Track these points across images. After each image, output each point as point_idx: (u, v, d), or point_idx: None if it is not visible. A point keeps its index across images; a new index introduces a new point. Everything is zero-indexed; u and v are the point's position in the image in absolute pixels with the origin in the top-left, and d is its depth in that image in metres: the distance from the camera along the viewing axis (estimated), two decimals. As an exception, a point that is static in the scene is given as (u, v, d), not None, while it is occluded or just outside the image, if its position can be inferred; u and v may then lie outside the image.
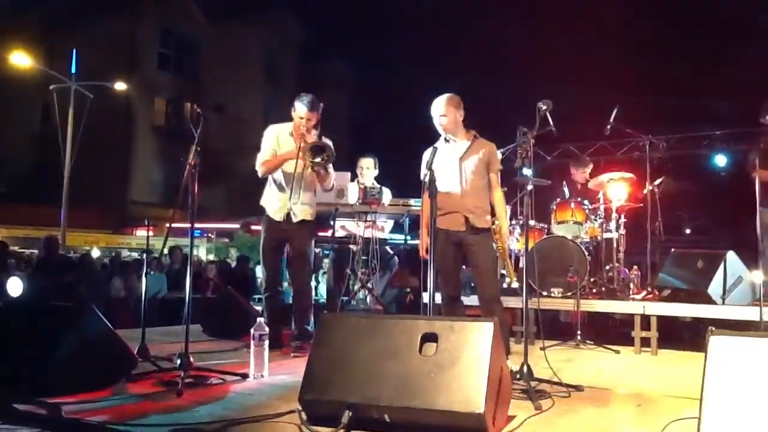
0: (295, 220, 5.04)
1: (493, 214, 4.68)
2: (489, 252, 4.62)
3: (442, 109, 4.57)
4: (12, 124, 28.40)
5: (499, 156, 4.83)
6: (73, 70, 19.48)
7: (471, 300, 5.18)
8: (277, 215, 5.05)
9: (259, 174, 5.10)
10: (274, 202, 5.11)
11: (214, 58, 28.87)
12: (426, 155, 4.46)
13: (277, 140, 5.10)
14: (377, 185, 5.91)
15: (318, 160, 4.77)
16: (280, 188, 5.08)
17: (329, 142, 4.95)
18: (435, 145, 4.42)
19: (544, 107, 4.00)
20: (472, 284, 4.90)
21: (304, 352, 4.40)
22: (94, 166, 22.68)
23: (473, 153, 4.61)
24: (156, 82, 28.00)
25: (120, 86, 21.15)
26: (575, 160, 8.03)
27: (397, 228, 6.26)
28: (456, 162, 4.59)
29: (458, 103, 4.61)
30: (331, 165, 4.97)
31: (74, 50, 19.51)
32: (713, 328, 2.46)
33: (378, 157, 6.30)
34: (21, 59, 20.00)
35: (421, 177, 4.30)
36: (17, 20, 26.46)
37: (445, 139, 4.63)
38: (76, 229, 21.48)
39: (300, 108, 4.95)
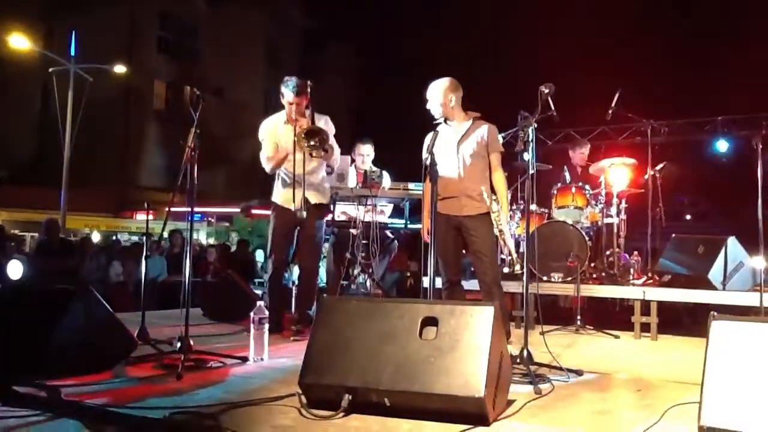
0: (306, 204, 4.99)
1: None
2: (488, 236, 4.57)
3: (428, 95, 4.57)
4: (11, 107, 28.27)
5: (500, 138, 4.76)
6: (73, 52, 19.37)
7: (471, 284, 5.18)
8: (288, 204, 5.00)
9: (267, 171, 5.09)
10: (283, 195, 5.09)
11: (213, 42, 28.72)
12: (427, 139, 4.46)
13: (275, 132, 5.07)
14: (377, 169, 5.89)
15: (312, 143, 4.72)
16: (285, 183, 5.08)
17: (326, 118, 4.96)
18: (436, 129, 4.40)
19: (546, 91, 3.96)
20: (472, 269, 4.88)
21: (304, 337, 4.41)
22: (93, 149, 22.65)
23: (472, 135, 4.58)
24: (155, 66, 27.86)
25: (119, 69, 21.05)
26: (572, 142, 8.01)
27: (397, 212, 6.25)
28: (454, 145, 4.56)
29: (454, 87, 4.57)
30: (333, 139, 4.95)
31: (73, 32, 19.39)
32: (715, 313, 2.45)
33: (378, 141, 6.29)
34: (20, 42, 19.85)
35: (423, 161, 4.29)
36: (16, 2, 26.30)
37: (446, 121, 4.60)
38: (76, 213, 21.47)
39: (287, 94, 4.92)
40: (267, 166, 5.07)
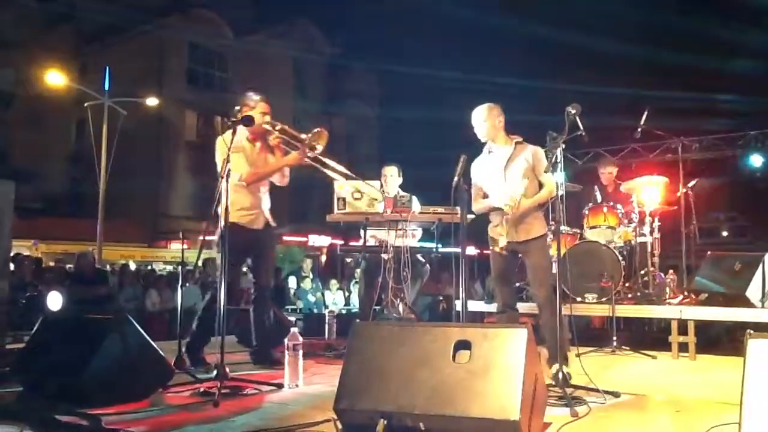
0: (270, 224, 5.06)
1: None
2: (542, 259, 4.50)
3: (477, 118, 4.53)
4: (48, 141, 29.02)
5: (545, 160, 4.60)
6: (107, 87, 19.85)
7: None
8: (254, 224, 4.93)
9: (247, 183, 4.82)
10: (247, 210, 4.90)
11: (242, 71, 29.18)
12: (474, 164, 4.58)
13: (243, 148, 4.86)
14: (406, 194, 5.92)
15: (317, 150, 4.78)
16: (255, 195, 4.94)
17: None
18: (480, 157, 4.54)
19: (573, 111, 3.95)
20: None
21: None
22: (127, 180, 23.05)
23: (517, 158, 4.49)
24: (186, 97, 28.38)
25: (152, 102, 21.48)
26: (600, 161, 7.97)
27: (427, 235, 6.25)
28: (501, 170, 4.49)
29: (497, 111, 4.54)
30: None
31: (107, 67, 19.88)
32: (752, 332, 2.42)
33: (404, 166, 6.32)
34: (55, 78, 20.42)
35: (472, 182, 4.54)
36: (50, 39, 27.10)
37: (489, 149, 4.58)
38: (111, 243, 21.82)
39: (260, 105, 4.86)
40: (251, 178, 4.82)
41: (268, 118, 4.88)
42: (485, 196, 4.59)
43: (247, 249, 4.88)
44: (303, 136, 4.82)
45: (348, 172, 5.27)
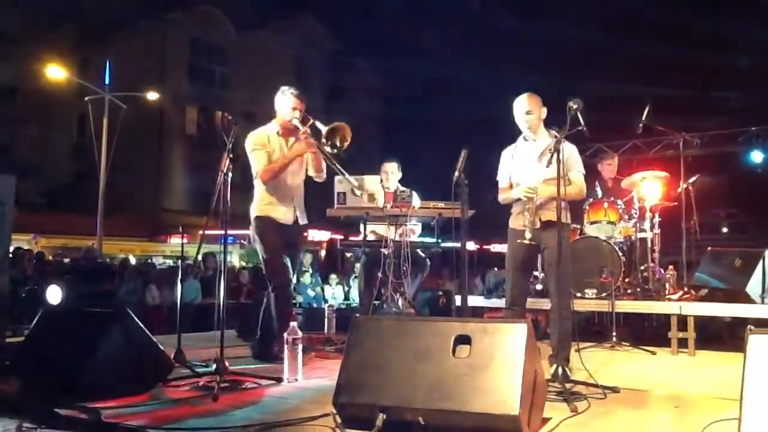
0: (302, 222, 5.00)
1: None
2: (563, 246, 4.20)
3: (528, 106, 4.37)
4: (49, 135, 29.04)
5: (579, 159, 4.50)
6: (107, 81, 19.84)
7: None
8: (285, 219, 4.90)
9: (265, 179, 4.81)
10: (275, 207, 4.89)
11: (243, 66, 29.15)
12: (505, 153, 4.50)
13: (269, 144, 4.88)
14: (406, 189, 5.91)
15: (336, 148, 4.66)
16: (282, 197, 4.91)
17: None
18: (515, 144, 4.44)
19: (575, 106, 3.93)
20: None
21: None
22: (128, 175, 23.05)
23: (550, 152, 4.28)
24: (187, 92, 28.37)
25: (152, 96, 21.48)
26: (600, 156, 7.96)
27: (427, 230, 6.25)
28: (534, 161, 4.36)
29: (540, 101, 4.42)
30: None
31: (108, 61, 19.87)
32: (752, 327, 2.41)
33: (405, 161, 6.30)
34: (56, 72, 20.42)
35: (498, 177, 4.50)
36: (52, 34, 27.06)
37: (524, 138, 4.48)
38: (111, 238, 21.82)
39: (291, 100, 4.81)
40: (266, 174, 4.79)
41: (298, 113, 4.80)
42: (512, 187, 4.46)
43: (285, 243, 4.88)
44: (321, 128, 4.74)
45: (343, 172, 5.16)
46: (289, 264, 4.89)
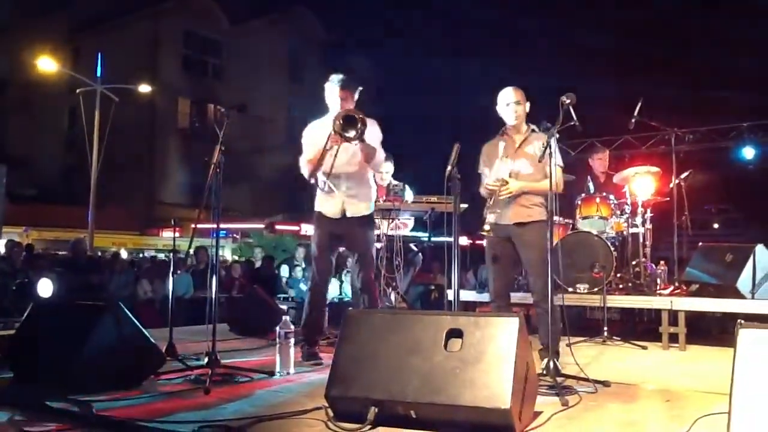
0: (351, 215, 4.63)
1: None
2: (538, 246, 4.24)
3: (516, 96, 4.36)
4: (40, 127, 28.87)
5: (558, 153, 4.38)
6: (99, 73, 19.73)
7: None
8: (330, 213, 4.66)
9: (306, 176, 4.65)
10: (324, 203, 4.70)
11: (236, 58, 29.05)
12: (485, 147, 4.50)
13: (315, 135, 4.66)
14: (399, 183, 5.91)
15: (350, 134, 4.27)
16: (322, 189, 4.66)
17: (372, 121, 4.57)
18: (493, 140, 4.46)
19: (568, 101, 3.93)
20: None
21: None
22: (120, 168, 22.97)
23: (528, 146, 4.39)
24: (179, 84, 28.25)
25: (144, 89, 21.36)
26: (590, 150, 7.97)
27: (420, 225, 6.26)
28: (511, 155, 4.38)
29: (525, 94, 4.42)
30: (380, 146, 4.64)
31: (99, 53, 19.76)
32: (742, 321, 2.43)
33: (398, 155, 6.29)
34: (47, 64, 20.26)
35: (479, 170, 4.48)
36: (43, 25, 26.89)
37: (502, 132, 4.48)
38: (103, 231, 21.76)
39: (332, 88, 4.62)
40: (304, 171, 4.65)
41: (337, 103, 4.58)
42: None
43: (333, 238, 4.71)
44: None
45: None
46: (333, 259, 4.75)
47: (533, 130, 4.44)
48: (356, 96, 4.63)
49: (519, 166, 4.35)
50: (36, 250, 14.91)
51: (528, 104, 4.42)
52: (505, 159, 4.38)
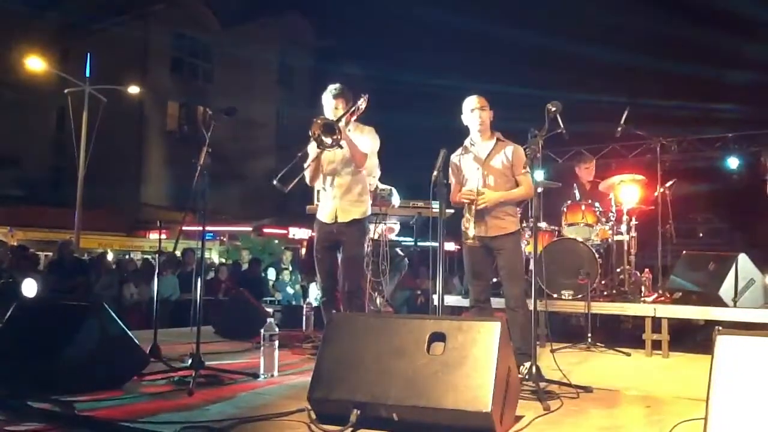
0: (341, 220, 4.74)
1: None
2: (514, 255, 4.48)
3: (479, 102, 4.47)
4: (28, 128, 28.65)
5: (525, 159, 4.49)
6: (88, 73, 19.64)
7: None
8: (324, 217, 4.81)
9: (308, 182, 4.80)
10: (320, 208, 4.89)
11: (226, 61, 29.00)
12: (453, 158, 4.55)
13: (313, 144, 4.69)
14: (386, 186, 5.92)
15: (328, 141, 4.37)
16: (325, 192, 4.85)
17: (370, 129, 4.82)
18: (464, 146, 4.52)
19: (554, 109, 3.99)
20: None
21: None
22: (107, 169, 22.84)
23: (496, 155, 4.48)
24: (168, 86, 28.16)
25: (133, 90, 21.28)
26: (577, 158, 8.02)
27: (406, 230, 6.27)
28: (480, 166, 4.46)
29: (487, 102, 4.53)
30: (374, 153, 4.84)
31: (88, 54, 19.67)
32: (720, 328, 2.46)
33: (387, 160, 6.29)
34: (36, 63, 20.14)
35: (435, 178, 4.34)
36: (32, 25, 26.74)
37: (470, 142, 4.56)
38: (89, 232, 21.62)
39: (326, 98, 4.76)
40: (306, 176, 4.73)
41: (332, 112, 4.71)
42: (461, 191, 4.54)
43: (326, 242, 4.81)
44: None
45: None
46: (329, 262, 4.83)
47: (498, 139, 4.53)
48: (361, 104, 4.75)
49: (489, 176, 4.46)
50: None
51: (492, 112, 4.53)
52: (475, 170, 4.46)
